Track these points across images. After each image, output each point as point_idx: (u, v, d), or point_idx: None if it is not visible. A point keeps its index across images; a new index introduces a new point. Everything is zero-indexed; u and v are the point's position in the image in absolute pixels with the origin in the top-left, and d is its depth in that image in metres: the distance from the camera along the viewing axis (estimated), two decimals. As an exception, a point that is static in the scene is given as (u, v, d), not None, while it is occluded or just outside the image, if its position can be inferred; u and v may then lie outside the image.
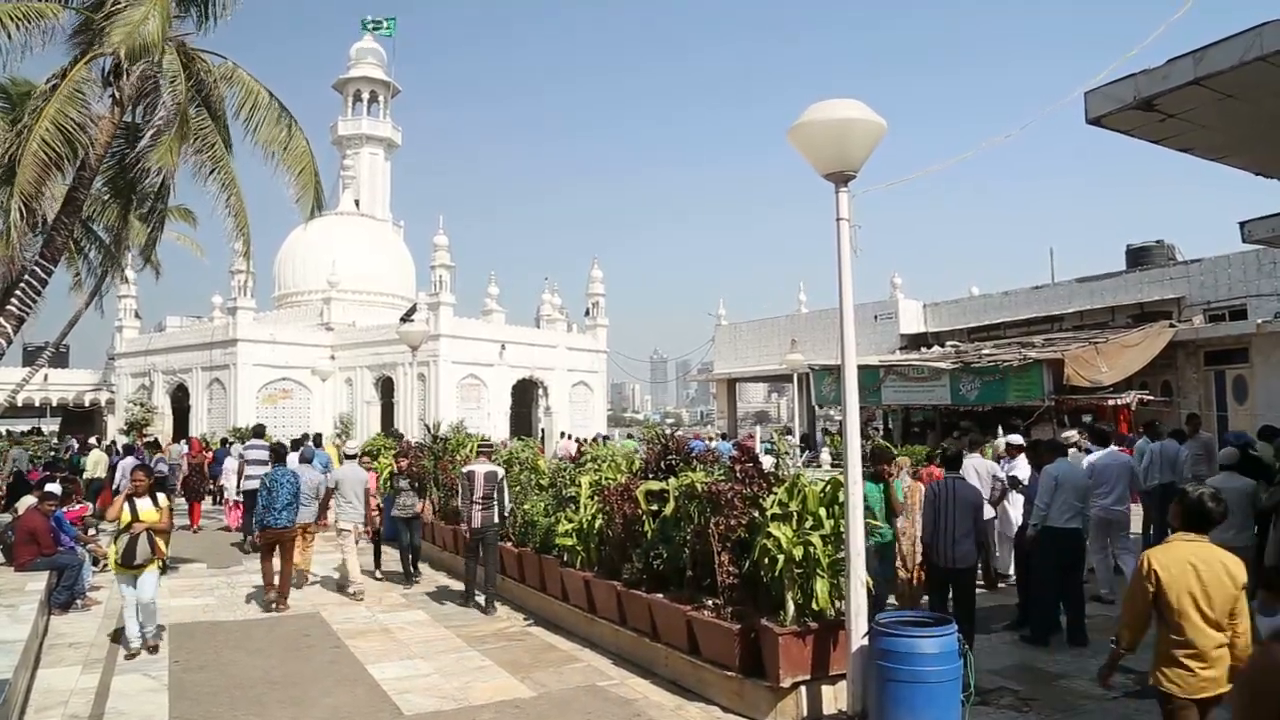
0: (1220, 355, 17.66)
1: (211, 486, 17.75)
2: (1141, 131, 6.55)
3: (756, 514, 5.86)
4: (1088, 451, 9.37)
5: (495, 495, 9.03)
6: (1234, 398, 17.43)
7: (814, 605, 5.49)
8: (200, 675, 6.75)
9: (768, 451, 9.34)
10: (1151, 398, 16.89)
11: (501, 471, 9.39)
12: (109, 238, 16.40)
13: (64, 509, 10.27)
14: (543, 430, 33.91)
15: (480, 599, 9.15)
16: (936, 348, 21.76)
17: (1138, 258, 21.27)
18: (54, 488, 9.95)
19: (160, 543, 7.37)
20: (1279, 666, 2.08)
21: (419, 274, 39.53)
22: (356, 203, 41.12)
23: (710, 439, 20.77)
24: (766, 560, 5.53)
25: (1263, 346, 16.69)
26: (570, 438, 25.79)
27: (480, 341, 32.11)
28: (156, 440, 19.89)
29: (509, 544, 9.49)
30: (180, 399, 33.69)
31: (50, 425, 36.78)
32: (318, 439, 16.14)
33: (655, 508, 6.95)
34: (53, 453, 21.43)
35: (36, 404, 35.83)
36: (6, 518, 10.71)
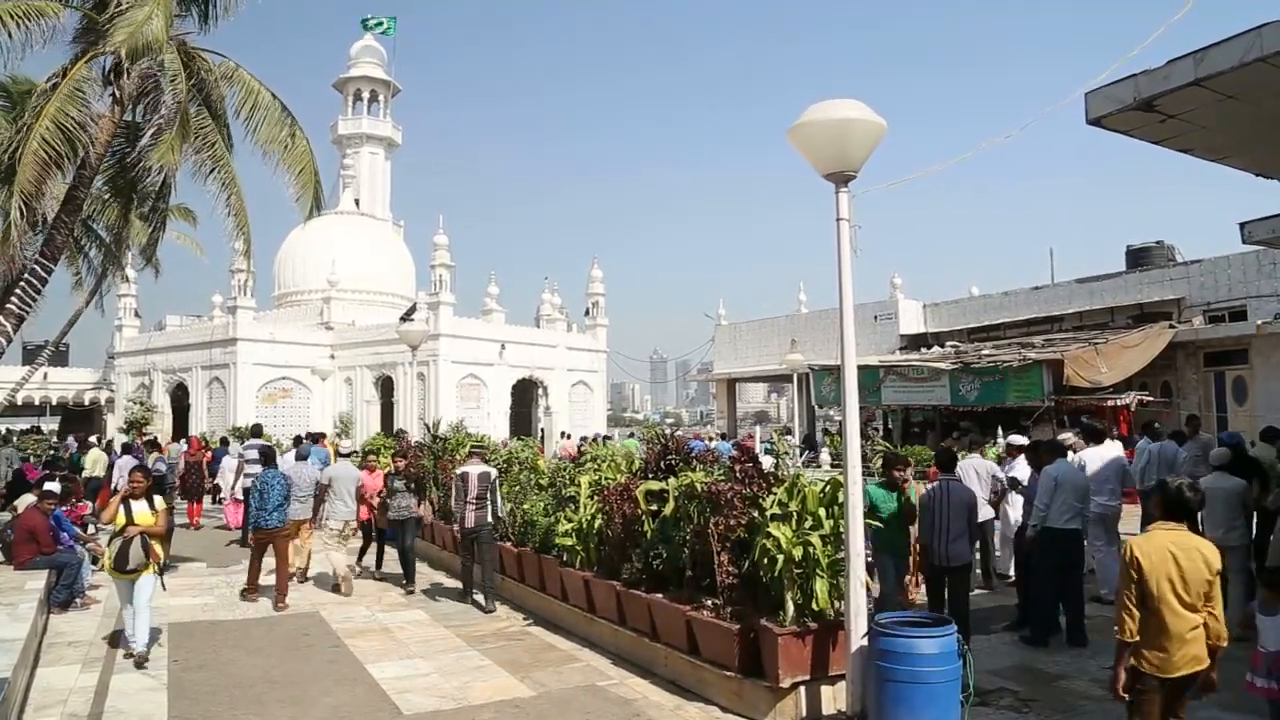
0: (1220, 356, 17.67)
1: (209, 485, 17.74)
2: (1142, 132, 6.55)
3: (756, 514, 5.85)
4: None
5: (488, 495, 9.16)
6: (1234, 399, 17.43)
7: (813, 605, 5.49)
8: (199, 674, 6.74)
9: (767, 452, 9.35)
10: (1151, 398, 16.90)
11: (494, 472, 9.54)
12: (109, 237, 16.42)
13: (63, 508, 10.27)
14: (542, 430, 33.91)
15: (479, 598, 9.19)
16: (936, 348, 21.76)
17: (1138, 258, 21.28)
18: (53, 486, 9.93)
19: (156, 547, 7.08)
20: None
21: (419, 274, 39.61)
22: (356, 202, 41.13)
23: (710, 439, 20.78)
24: (766, 560, 5.53)
25: (1262, 347, 16.70)
26: (569, 437, 25.82)
27: (480, 341, 32.11)
28: (155, 439, 19.87)
29: (509, 544, 9.50)
30: (180, 398, 33.70)
31: (50, 424, 36.78)
32: (315, 437, 16.22)
33: (655, 508, 6.95)
34: (52, 451, 21.43)
35: (36, 402, 35.84)
36: (6, 516, 10.71)
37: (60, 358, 38.27)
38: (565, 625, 8.05)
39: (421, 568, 11.60)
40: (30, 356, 31.53)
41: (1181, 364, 18.10)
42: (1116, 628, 3.87)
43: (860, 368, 7.27)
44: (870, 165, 5.21)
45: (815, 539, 5.50)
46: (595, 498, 7.90)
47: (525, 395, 35.07)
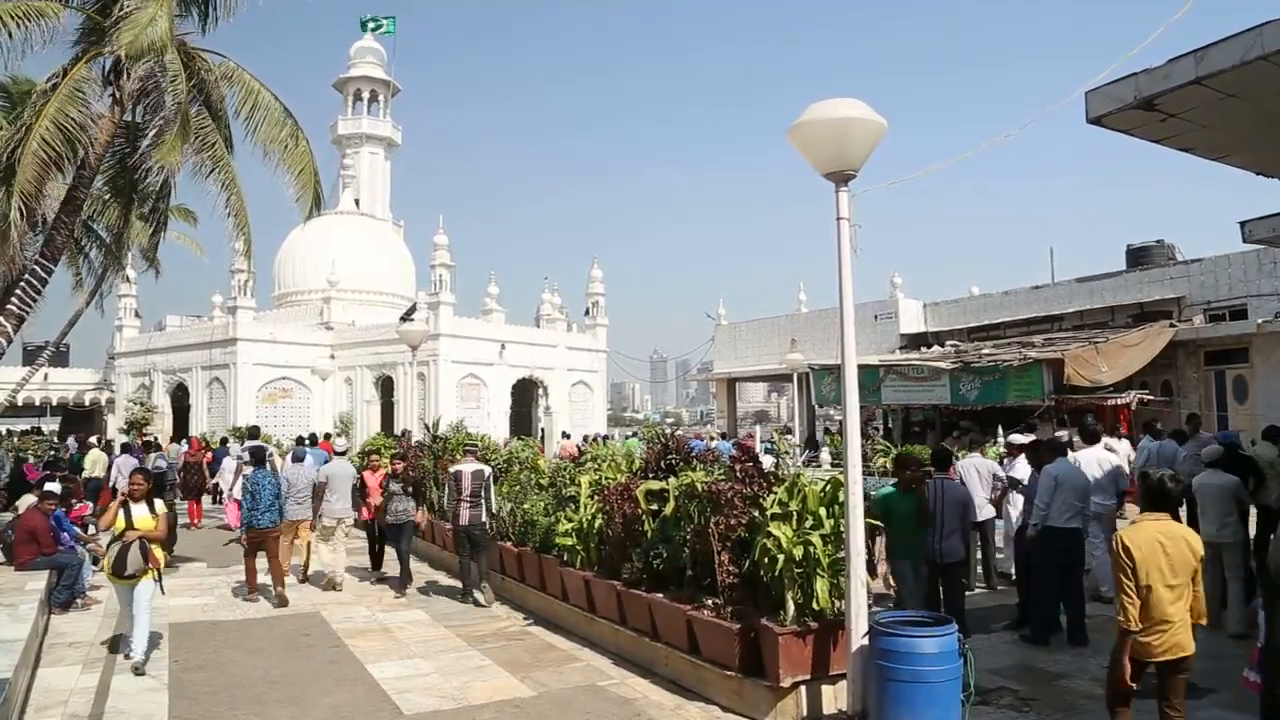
0: (1220, 355, 17.66)
1: (210, 486, 17.76)
2: (1142, 131, 6.55)
3: (756, 513, 5.85)
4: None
5: (483, 493, 9.31)
6: (1234, 397, 17.42)
7: (814, 605, 5.49)
8: (200, 675, 6.74)
9: (768, 451, 9.35)
10: (1152, 397, 16.88)
11: (488, 470, 9.68)
12: (110, 237, 16.42)
13: (63, 508, 10.26)
14: (543, 430, 33.91)
15: (477, 595, 9.30)
16: (936, 347, 21.75)
17: (1138, 257, 21.26)
18: (53, 487, 9.93)
19: (156, 552, 6.97)
20: None
21: (419, 273, 39.61)
22: (356, 202, 41.13)
23: (711, 438, 20.77)
24: (766, 560, 5.52)
25: (1263, 346, 16.69)
26: (569, 437, 25.82)
27: (480, 341, 32.11)
28: (155, 440, 19.87)
29: (509, 543, 9.51)
30: (180, 398, 33.70)
31: (50, 424, 36.77)
32: (313, 439, 16.34)
33: (655, 507, 6.95)
34: (53, 452, 21.42)
35: (37, 403, 35.84)
36: (7, 517, 10.72)
37: (61, 358, 38.26)
38: (566, 625, 8.05)
39: (421, 567, 11.63)
40: (31, 357, 31.55)
41: (1182, 363, 18.08)
42: (1121, 617, 3.96)
43: (860, 367, 7.26)
44: (870, 165, 5.21)
45: (816, 538, 5.49)
46: (595, 497, 7.90)
47: (525, 395, 35.07)
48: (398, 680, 6.54)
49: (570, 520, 8.07)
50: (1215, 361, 17.75)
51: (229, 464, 15.51)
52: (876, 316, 24.46)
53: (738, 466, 6.29)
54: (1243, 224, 9.78)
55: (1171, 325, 18.02)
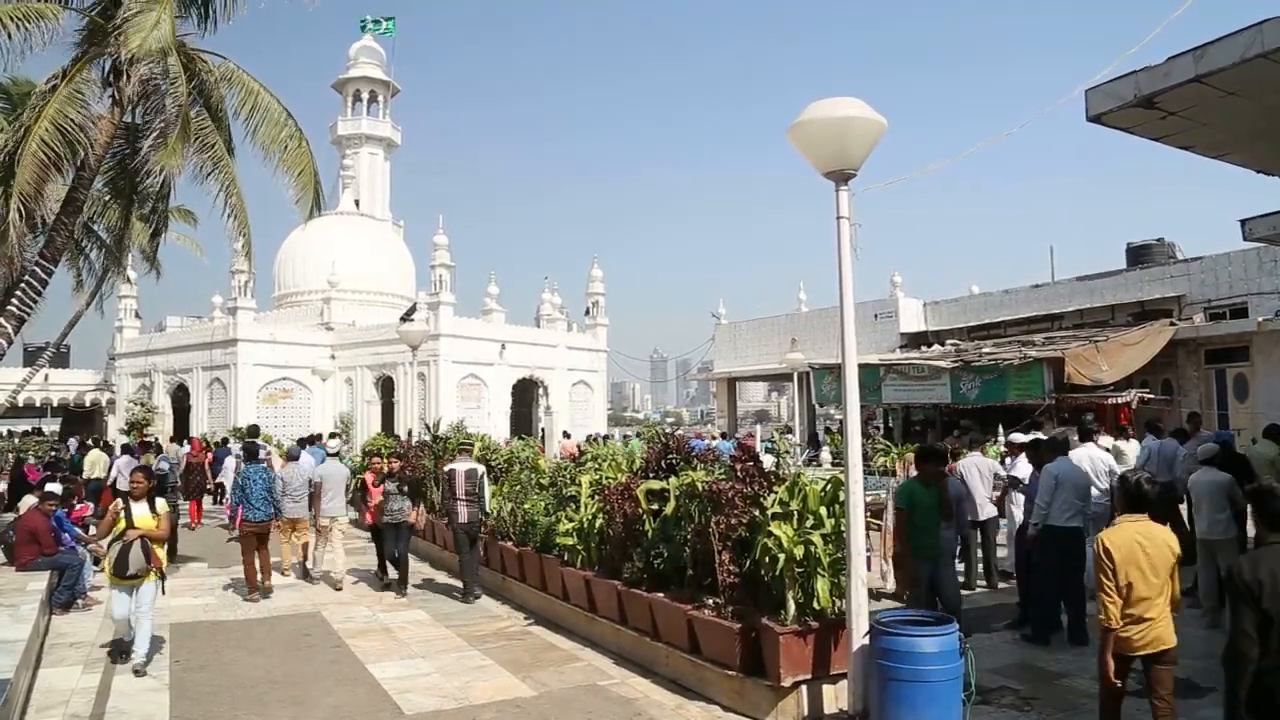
0: (1221, 353, 17.64)
1: (211, 485, 17.80)
2: (1142, 129, 6.55)
3: (757, 513, 5.85)
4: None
5: (477, 491, 9.47)
6: (1235, 396, 17.40)
7: (815, 604, 5.49)
8: (201, 675, 6.75)
9: (768, 450, 9.34)
10: (1152, 396, 16.86)
11: (482, 469, 9.82)
12: (110, 238, 16.42)
13: (64, 509, 10.27)
14: (543, 430, 33.91)
15: (476, 592, 9.49)
16: (937, 346, 21.74)
17: (1138, 256, 21.24)
18: (54, 487, 9.95)
19: (158, 552, 6.89)
20: None
21: (419, 274, 39.60)
22: (356, 202, 41.13)
23: (712, 438, 20.77)
24: (767, 559, 5.52)
25: (1263, 345, 16.67)
26: (570, 436, 25.82)
27: (480, 341, 32.11)
28: (155, 440, 19.87)
29: (509, 543, 9.52)
30: (181, 399, 33.71)
31: (51, 425, 36.83)
32: (313, 439, 16.47)
33: (656, 507, 6.95)
34: (54, 452, 21.44)
35: (37, 404, 35.86)
36: (8, 517, 10.73)
37: (61, 359, 38.26)
38: (566, 625, 8.05)
39: (422, 567, 11.64)
40: (31, 358, 31.59)
41: (1182, 361, 18.07)
42: (1102, 616, 4.14)
43: (861, 366, 7.26)
44: (870, 165, 5.19)
45: (816, 538, 5.49)
46: (596, 497, 7.90)
47: (526, 395, 35.07)
48: (399, 680, 6.54)
49: (571, 520, 8.07)
50: (1216, 360, 17.73)
51: (231, 463, 15.57)
52: (877, 315, 24.44)
53: (738, 466, 6.29)
54: (1243, 222, 9.78)
55: (1172, 324, 18.00)
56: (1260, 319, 16.61)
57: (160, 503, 7.14)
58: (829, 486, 5.85)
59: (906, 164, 11.01)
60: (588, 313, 38.42)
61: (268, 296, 39.01)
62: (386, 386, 32.18)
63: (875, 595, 7.61)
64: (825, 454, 18.37)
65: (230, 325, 31.58)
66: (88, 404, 37.55)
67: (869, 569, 6.96)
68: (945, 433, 17.28)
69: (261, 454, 11.68)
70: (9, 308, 9.97)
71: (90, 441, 23.16)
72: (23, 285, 10.11)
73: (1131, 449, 11.18)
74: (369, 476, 11.11)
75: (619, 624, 7.17)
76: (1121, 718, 4.35)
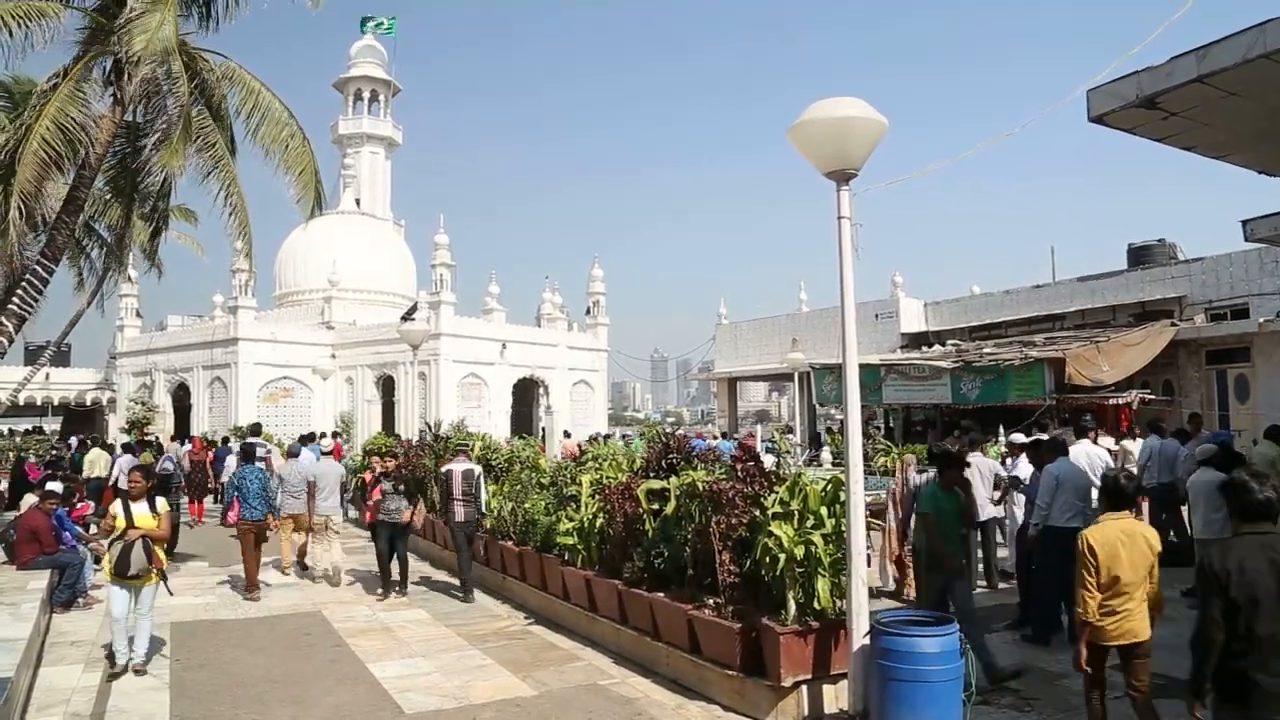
0: (1222, 354, 17.62)
1: (213, 485, 17.81)
2: (1144, 129, 6.55)
3: (758, 513, 5.85)
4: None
5: (474, 491, 9.57)
6: (1236, 397, 17.39)
7: (815, 604, 5.49)
8: (201, 674, 6.75)
9: (769, 450, 9.35)
10: (1153, 397, 16.85)
11: (479, 469, 9.85)
12: (111, 237, 16.41)
13: (65, 508, 10.28)
14: (544, 429, 33.90)
15: (476, 592, 9.53)
16: (937, 346, 21.73)
17: (1139, 256, 21.22)
18: (55, 486, 9.96)
19: (159, 552, 6.83)
20: None
21: (420, 273, 39.58)
22: (357, 202, 41.14)
23: (712, 438, 20.77)
24: (768, 559, 5.52)
25: (1264, 345, 16.65)
26: (570, 436, 25.82)
27: (481, 340, 32.10)
28: (156, 440, 19.89)
29: (509, 542, 9.53)
30: (181, 398, 33.72)
31: (52, 424, 36.81)
32: (311, 437, 16.54)
33: (656, 506, 6.95)
34: (54, 451, 21.45)
35: (38, 403, 35.87)
36: (9, 516, 10.73)
37: (62, 358, 38.27)
38: (567, 624, 8.05)
39: (423, 566, 11.64)
40: (32, 357, 31.58)
41: (1183, 362, 18.05)
42: (1079, 609, 4.34)
43: (861, 366, 7.24)
44: (871, 165, 5.20)
45: (817, 538, 5.49)
46: (596, 497, 7.90)
47: (526, 394, 35.07)
48: (399, 679, 6.54)
49: (571, 519, 8.08)
50: (1217, 361, 17.72)
51: (231, 462, 15.57)
52: (877, 316, 24.43)
53: (739, 466, 6.29)
54: (1244, 223, 9.78)
55: (1173, 324, 17.99)
56: (1261, 320, 16.59)
57: (161, 502, 7.08)
58: (829, 486, 5.85)
59: (907, 164, 11.01)
60: (588, 312, 38.42)
61: (269, 295, 39.11)
62: (387, 386, 32.18)
63: (875, 594, 7.60)
64: (826, 454, 18.37)
65: (231, 324, 31.59)
66: (88, 403, 37.57)
67: (869, 565, 6.97)
68: (946, 433, 17.26)
69: (261, 453, 11.72)
70: (10, 306, 9.98)
71: (90, 440, 23.16)
72: (24, 284, 10.12)
73: (1137, 449, 11.18)
74: (369, 475, 11.16)
75: (619, 623, 7.17)
76: (1106, 713, 4.58)
